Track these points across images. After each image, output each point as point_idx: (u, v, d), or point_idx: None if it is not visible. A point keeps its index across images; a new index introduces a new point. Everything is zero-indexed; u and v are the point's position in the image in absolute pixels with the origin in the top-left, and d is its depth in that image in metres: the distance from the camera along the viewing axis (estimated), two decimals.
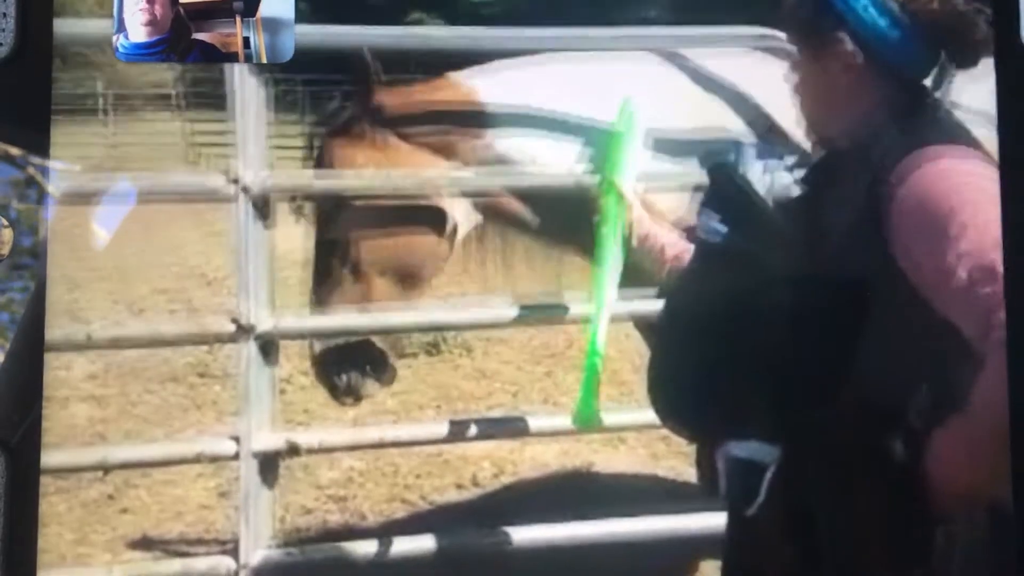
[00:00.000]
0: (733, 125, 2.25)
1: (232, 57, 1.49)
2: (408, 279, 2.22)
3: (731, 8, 2.19)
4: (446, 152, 2.22)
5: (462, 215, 2.24)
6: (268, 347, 2.11)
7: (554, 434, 2.50)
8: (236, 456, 2.06)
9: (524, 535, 2.13)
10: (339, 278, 2.19)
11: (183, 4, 1.46)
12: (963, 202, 1.16)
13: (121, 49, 1.47)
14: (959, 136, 1.26)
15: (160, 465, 2.22)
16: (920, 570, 1.22)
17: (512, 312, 2.19)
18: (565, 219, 2.23)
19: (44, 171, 1.46)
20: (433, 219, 2.22)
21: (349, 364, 2.21)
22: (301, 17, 1.51)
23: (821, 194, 1.30)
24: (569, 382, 3.16)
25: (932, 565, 1.21)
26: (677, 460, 2.65)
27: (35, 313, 1.43)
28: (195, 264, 3.43)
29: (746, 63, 2.29)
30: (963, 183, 1.19)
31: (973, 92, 1.45)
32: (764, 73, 2.23)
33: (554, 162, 2.22)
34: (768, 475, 1.26)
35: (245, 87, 2.08)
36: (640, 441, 2.78)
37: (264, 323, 2.09)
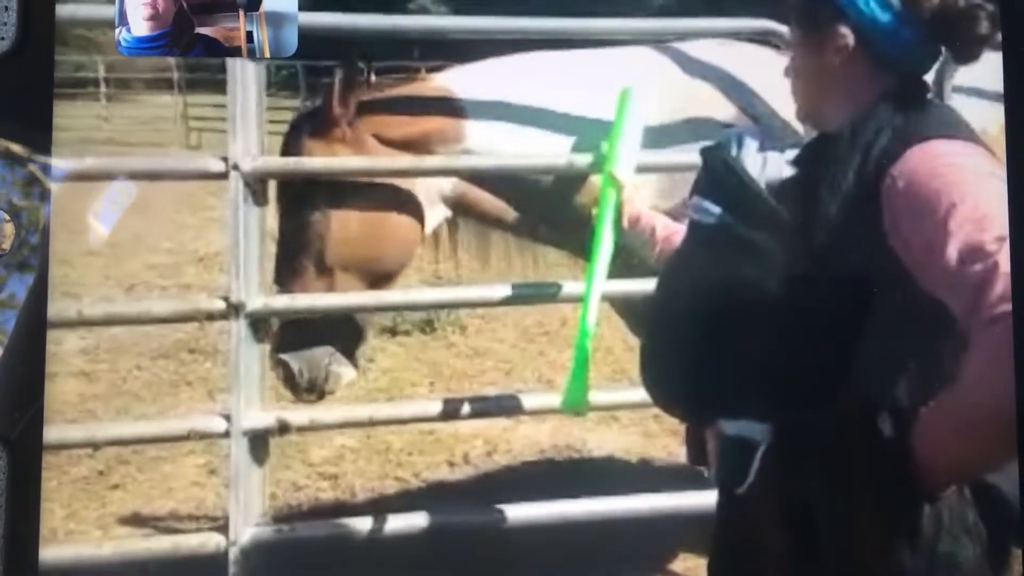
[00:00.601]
0: (725, 112, 2.24)
1: (235, 51, 1.48)
2: (374, 275, 2.20)
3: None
4: (419, 151, 2.20)
5: (432, 210, 2.22)
6: (258, 325, 2.10)
7: (547, 412, 2.50)
8: (227, 434, 2.06)
9: (515, 513, 2.13)
10: (302, 272, 2.16)
11: None
12: (951, 182, 1.16)
13: (124, 43, 1.47)
14: (955, 125, 1.26)
15: (150, 442, 2.21)
16: (908, 548, 1.21)
17: (506, 292, 2.20)
18: (542, 211, 2.22)
19: (46, 168, 1.46)
20: (406, 214, 2.20)
21: (314, 348, 2.18)
22: (303, 3, 1.49)
23: (813, 176, 1.29)
24: (563, 360, 3.15)
25: (920, 543, 1.21)
26: (670, 439, 2.65)
27: (36, 309, 1.43)
28: (187, 241, 3.41)
29: (741, 53, 2.29)
30: (952, 163, 1.19)
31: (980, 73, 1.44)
32: (758, 62, 2.24)
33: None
34: (759, 453, 1.25)
35: (243, 69, 2.06)
36: (633, 420, 2.78)
37: (254, 301, 2.07)
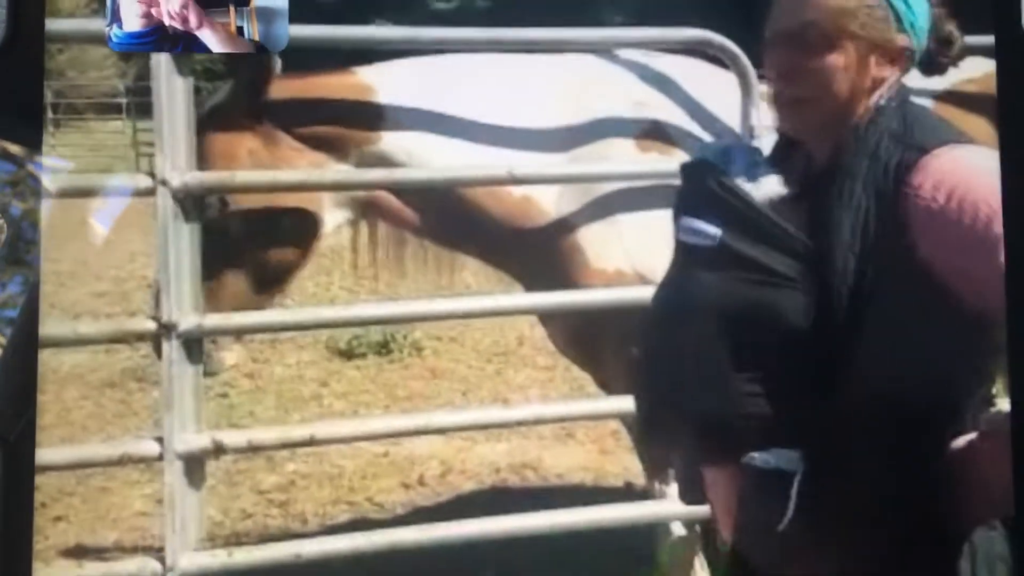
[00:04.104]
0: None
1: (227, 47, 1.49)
2: (261, 282, 2.14)
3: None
4: (332, 149, 2.14)
5: (330, 215, 2.18)
6: (191, 346, 2.05)
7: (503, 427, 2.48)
8: (160, 457, 2.00)
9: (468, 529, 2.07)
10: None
11: None
12: (986, 187, 1.12)
13: (115, 39, 1.46)
14: (954, 131, 1.23)
15: (83, 467, 2.15)
16: None
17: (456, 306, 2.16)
18: (457, 220, 2.18)
19: (38, 166, 1.48)
20: (299, 224, 2.15)
21: None
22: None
23: (821, 189, 1.21)
24: (519, 380, 3.12)
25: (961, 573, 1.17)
26: (626, 455, 2.59)
27: (30, 309, 1.43)
28: (136, 268, 3.36)
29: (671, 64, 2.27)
30: (981, 168, 1.16)
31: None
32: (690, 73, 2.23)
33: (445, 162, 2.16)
34: (796, 483, 1.17)
35: (171, 83, 2.03)
36: (589, 436, 2.73)
37: (187, 321, 2.03)
